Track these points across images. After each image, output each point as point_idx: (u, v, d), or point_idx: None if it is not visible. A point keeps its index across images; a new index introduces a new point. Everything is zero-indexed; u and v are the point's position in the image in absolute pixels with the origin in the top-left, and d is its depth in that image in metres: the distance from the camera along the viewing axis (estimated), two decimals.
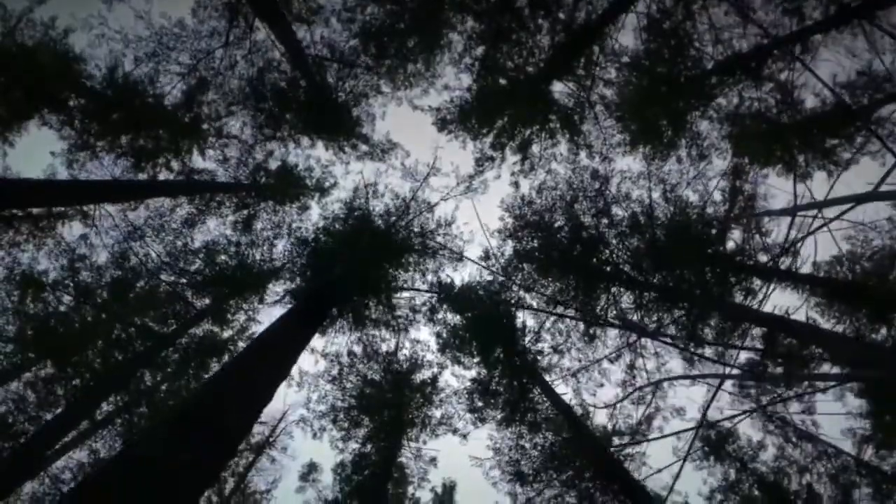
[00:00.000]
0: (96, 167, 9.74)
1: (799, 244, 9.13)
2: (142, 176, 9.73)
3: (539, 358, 10.62)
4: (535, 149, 10.72)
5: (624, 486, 8.04)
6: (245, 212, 8.87)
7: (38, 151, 10.42)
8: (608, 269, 9.76)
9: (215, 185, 8.32)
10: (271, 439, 11.00)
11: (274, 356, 3.42)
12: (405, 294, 9.98)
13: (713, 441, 10.68)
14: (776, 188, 14.96)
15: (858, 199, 7.96)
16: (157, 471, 2.28)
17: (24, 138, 9.89)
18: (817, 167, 11.03)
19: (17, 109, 9.09)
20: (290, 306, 6.11)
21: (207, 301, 7.92)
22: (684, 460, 6.73)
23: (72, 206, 6.71)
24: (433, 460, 10.91)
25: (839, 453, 9.06)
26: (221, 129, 8.84)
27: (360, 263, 6.86)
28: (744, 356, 10.21)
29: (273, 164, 9.40)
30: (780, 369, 10.96)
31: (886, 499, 9.16)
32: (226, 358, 9.92)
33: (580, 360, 10.48)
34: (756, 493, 10.09)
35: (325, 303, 5.28)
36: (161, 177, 9.64)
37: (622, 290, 10.37)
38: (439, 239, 9.91)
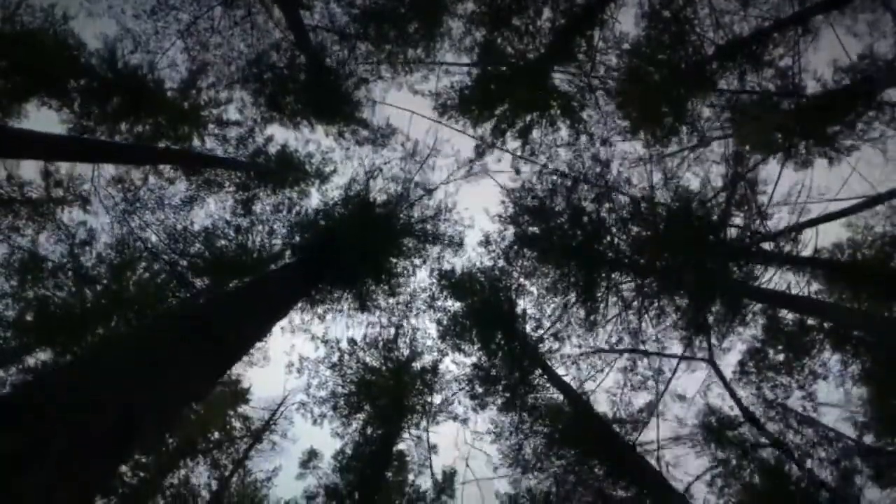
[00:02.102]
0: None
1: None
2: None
3: (540, 345, 10.61)
4: (535, 134, 10.71)
5: (632, 469, 8.02)
6: (244, 193, 8.88)
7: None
8: (609, 254, 9.74)
9: (215, 158, 8.29)
10: (272, 423, 10.99)
11: (273, 295, 3.40)
12: (405, 280, 9.97)
13: (714, 427, 10.65)
14: (776, 174, 14.75)
15: None
16: (154, 357, 2.26)
17: (23, 123, 9.87)
18: (818, 154, 11.00)
19: (16, 93, 9.07)
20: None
21: (207, 281, 7.91)
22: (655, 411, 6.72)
23: (71, 160, 6.71)
24: (433, 447, 10.89)
25: (840, 437, 9.04)
26: (221, 114, 8.85)
27: (360, 246, 6.86)
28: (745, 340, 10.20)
29: (272, 149, 9.41)
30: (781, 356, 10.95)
31: (890, 485, 9.12)
32: None
33: (580, 347, 10.47)
34: (757, 479, 10.06)
35: (326, 262, 5.28)
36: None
37: (623, 276, 10.36)
38: (439, 224, 9.90)
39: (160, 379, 2.13)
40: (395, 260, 9.06)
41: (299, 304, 8.29)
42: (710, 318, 9.13)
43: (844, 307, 4.69)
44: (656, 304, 10.13)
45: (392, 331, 10.48)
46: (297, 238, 7.33)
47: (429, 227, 9.75)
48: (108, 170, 8.64)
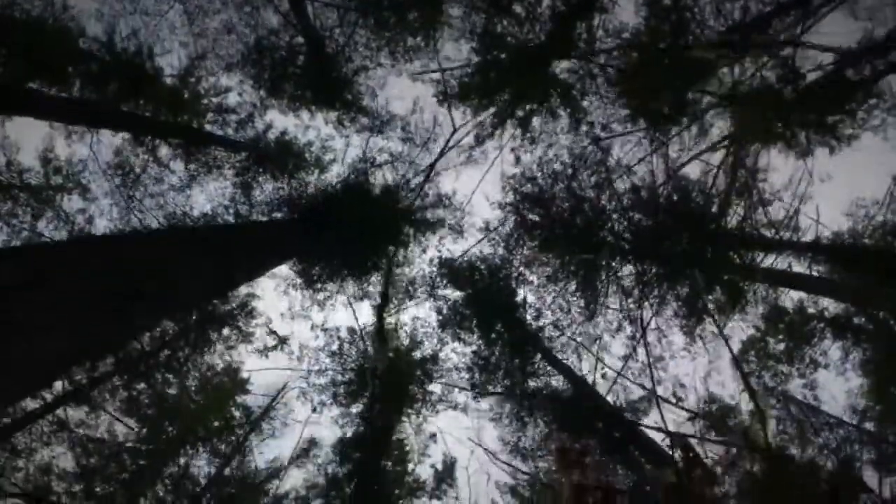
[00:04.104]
0: (95, 140, 9.71)
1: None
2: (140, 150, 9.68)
3: (540, 334, 10.60)
4: (535, 123, 10.70)
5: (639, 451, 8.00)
6: (244, 178, 8.86)
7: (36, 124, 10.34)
8: (609, 240, 9.73)
9: (215, 137, 8.30)
10: (271, 411, 10.98)
11: (271, 236, 3.40)
12: (404, 268, 9.98)
13: (715, 417, 10.64)
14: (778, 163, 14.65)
15: None
16: (161, 252, 2.28)
17: None
18: (818, 143, 10.95)
19: (15, 78, 9.05)
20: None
21: None
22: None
23: (70, 122, 6.70)
24: (433, 436, 10.88)
25: (842, 423, 9.02)
26: (221, 99, 8.86)
27: (358, 219, 6.86)
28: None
29: (272, 137, 9.40)
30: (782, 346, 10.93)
31: (891, 473, 9.09)
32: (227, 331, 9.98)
33: (580, 336, 10.44)
34: (756, 468, 10.03)
35: (324, 225, 5.28)
36: (161, 150, 9.62)
37: (623, 264, 10.35)
38: (439, 211, 9.90)
39: (166, 267, 2.17)
40: (391, 246, 9.05)
41: (298, 273, 8.29)
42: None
43: (847, 284, 4.66)
44: (657, 293, 10.13)
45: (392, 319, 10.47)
46: (296, 201, 7.32)
47: (428, 214, 9.75)
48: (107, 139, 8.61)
